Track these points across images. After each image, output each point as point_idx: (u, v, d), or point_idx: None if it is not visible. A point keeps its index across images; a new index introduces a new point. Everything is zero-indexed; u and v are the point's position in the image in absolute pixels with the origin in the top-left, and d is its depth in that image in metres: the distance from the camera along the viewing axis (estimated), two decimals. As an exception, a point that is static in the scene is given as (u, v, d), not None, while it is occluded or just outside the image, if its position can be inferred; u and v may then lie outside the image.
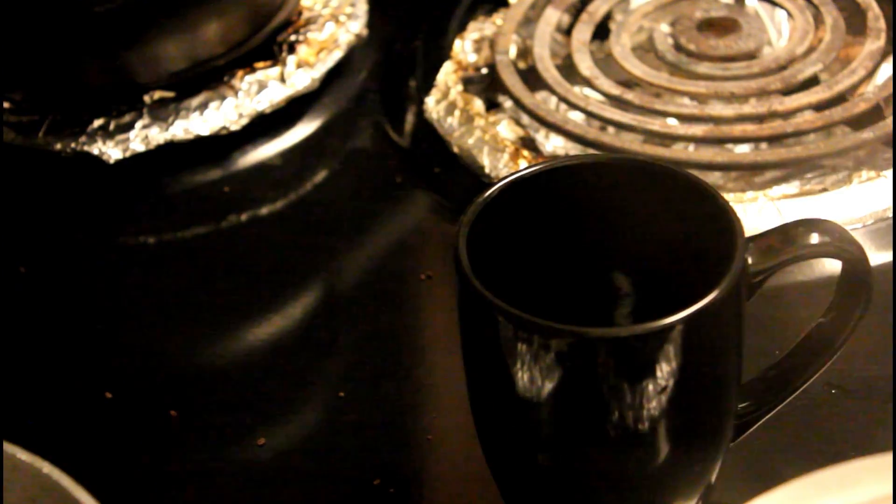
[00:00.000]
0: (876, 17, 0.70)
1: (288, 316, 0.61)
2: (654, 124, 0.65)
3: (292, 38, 0.73)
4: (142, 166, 0.68)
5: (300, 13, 0.75)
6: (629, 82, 0.68)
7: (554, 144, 0.67)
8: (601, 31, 0.72)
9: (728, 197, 0.54)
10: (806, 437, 0.52)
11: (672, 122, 0.65)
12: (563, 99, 0.67)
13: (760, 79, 0.67)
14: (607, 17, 0.73)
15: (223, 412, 0.56)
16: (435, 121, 0.69)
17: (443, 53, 0.73)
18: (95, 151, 0.68)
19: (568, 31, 0.72)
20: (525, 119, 0.68)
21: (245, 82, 0.70)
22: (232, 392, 0.57)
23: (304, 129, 0.71)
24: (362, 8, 0.76)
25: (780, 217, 0.60)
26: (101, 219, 0.67)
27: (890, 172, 0.61)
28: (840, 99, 0.66)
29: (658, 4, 0.73)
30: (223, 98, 0.69)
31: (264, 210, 0.67)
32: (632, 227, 0.47)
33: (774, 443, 0.51)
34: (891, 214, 0.61)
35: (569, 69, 0.69)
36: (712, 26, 0.70)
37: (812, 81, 0.67)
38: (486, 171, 0.65)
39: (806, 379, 0.47)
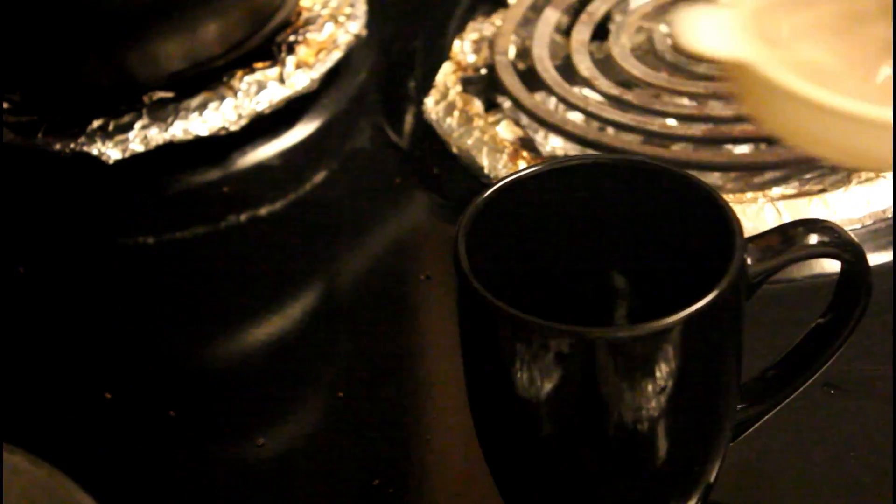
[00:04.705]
0: (875, 17, 0.70)
1: (287, 316, 0.61)
2: (654, 124, 0.65)
3: (291, 38, 0.73)
4: (141, 167, 0.68)
5: (299, 14, 0.75)
6: (628, 83, 0.68)
7: (553, 145, 0.67)
8: (600, 32, 0.72)
9: (727, 197, 0.54)
10: (806, 437, 0.52)
11: (671, 122, 0.65)
12: (562, 99, 0.67)
13: (759, 79, 0.67)
14: (606, 18, 0.73)
15: (223, 412, 0.56)
16: (434, 121, 0.69)
17: (442, 54, 0.73)
18: (94, 152, 0.68)
19: (567, 32, 0.72)
20: (524, 119, 0.68)
21: (244, 83, 0.70)
22: (232, 392, 0.57)
23: (303, 130, 0.71)
24: (361, 8, 0.76)
25: (780, 217, 0.60)
26: (100, 219, 0.67)
27: (889, 173, 0.61)
28: (839, 99, 0.66)
29: (657, 5, 0.73)
30: (222, 98, 0.69)
31: (264, 210, 0.67)
32: (631, 228, 0.47)
33: (774, 443, 0.51)
34: (890, 215, 0.61)
35: (568, 70, 0.69)
36: (711, 27, 0.70)
37: (811, 82, 0.67)
38: (486, 171, 0.65)
39: (806, 379, 0.47)
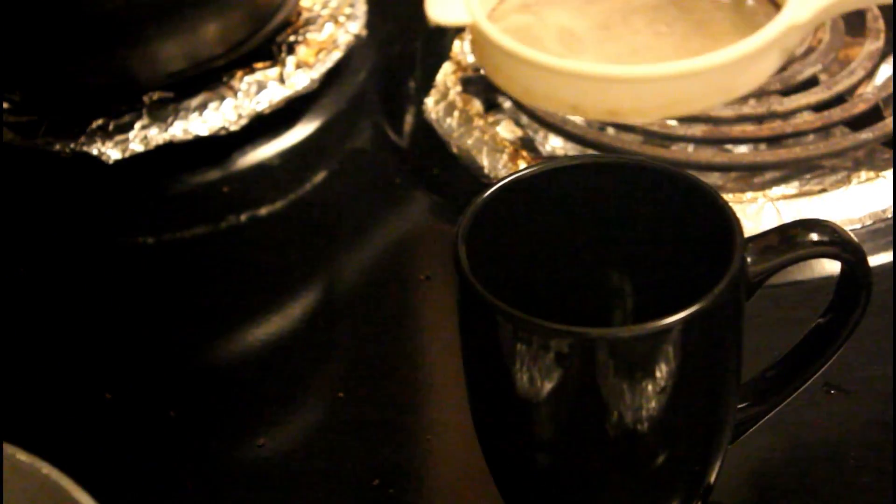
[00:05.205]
0: (875, 17, 0.70)
1: (288, 316, 0.61)
2: (654, 124, 0.65)
3: (291, 38, 0.73)
4: (141, 167, 0.68)
5: (299, 14, 0.75)
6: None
7: (553, 145, 0.67)
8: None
9: (727, 197, 0.54)
10: (806, 437, 0.52)
11: (671, 122, 0.65)
12: (562, 99, 0.67)
13: (759, 79, 0.67)
14: (606, 18, 0.73)
15: (223, 412, 0.56)
16: (434, 121, 0.69)
17: (442, 54, 0.73)
18: (95, 152, 0.68)
19: (567, 32, 0.72)
20: (524, 119, 0.68)
21: (244, 83, 0.70)
22: (232, 392, 0.57)
23: (303, 130, 0.71)
24: (361, 8, 0.76)
25: (779, 217, 0.60)
26: (100, 219, 0.67)
27: (889, 173, 0.61)
28: (839, 99, 0.66)
29: (657, 5, 0.73)
30: (222, 98, 0.69)
31: (263, 210, 0.67)
32: (631, 228, 0.47)
33: (774, 443, 0.51)
34: (890, 215, 0.61)
35: (568, 69, 0.69)
36: (711, 27, 0.70)
37: (811, 82, 0.67)
38: (486, 171, 0.65)
39: (806, 379, 0.47)
